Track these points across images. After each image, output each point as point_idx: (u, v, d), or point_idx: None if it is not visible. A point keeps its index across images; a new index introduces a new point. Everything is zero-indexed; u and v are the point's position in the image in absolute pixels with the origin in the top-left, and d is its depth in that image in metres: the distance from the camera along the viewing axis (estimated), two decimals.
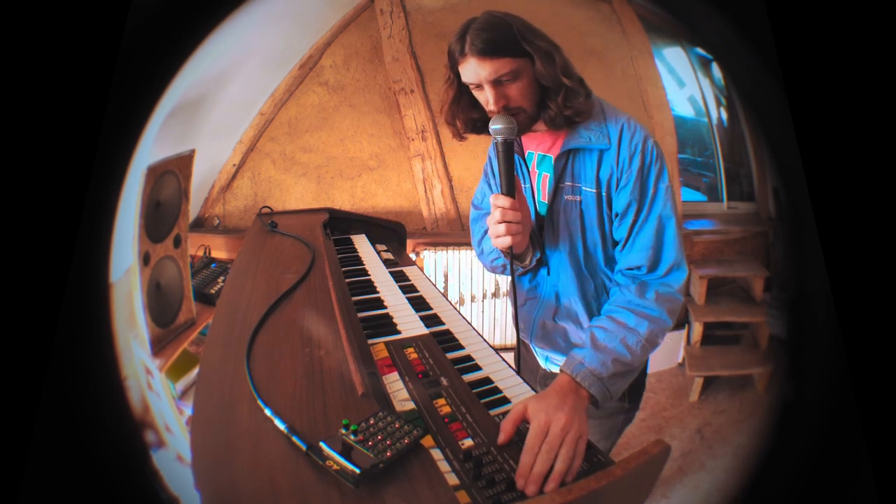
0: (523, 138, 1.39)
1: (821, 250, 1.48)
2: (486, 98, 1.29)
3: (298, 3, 2.22)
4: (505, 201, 1.25)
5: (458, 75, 1.31)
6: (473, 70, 1.27)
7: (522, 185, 1.36)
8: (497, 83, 1.26)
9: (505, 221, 1.25)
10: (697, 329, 1.99)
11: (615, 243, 1.33)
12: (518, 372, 1.41)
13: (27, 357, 1.37)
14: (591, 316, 1.36)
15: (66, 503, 1.29)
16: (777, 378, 1.68)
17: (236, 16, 1.69)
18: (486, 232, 1.38)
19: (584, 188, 1.32)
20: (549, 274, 1.41)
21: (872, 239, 1.47)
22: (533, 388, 1.33)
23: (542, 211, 1.37)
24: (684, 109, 2.21)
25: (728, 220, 2.15)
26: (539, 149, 1.38)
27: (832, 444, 1.37)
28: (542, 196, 1.38)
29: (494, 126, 1.25)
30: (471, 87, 1.31)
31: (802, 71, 1.56)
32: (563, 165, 1.33)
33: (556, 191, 1.34)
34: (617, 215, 1.30)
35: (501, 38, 1.26)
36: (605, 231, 1.34)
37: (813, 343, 1.49)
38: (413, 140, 2.21)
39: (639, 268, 1.32)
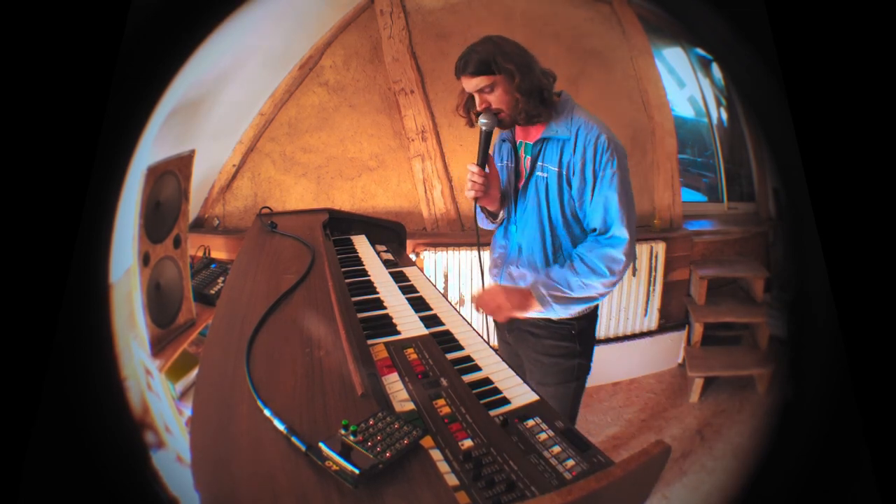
0: (517, 130, 1.84)
1: (821, 250, 1.48)
2: (477, 101, 1.75)
3: (298, 3, 2.22)
4: (473, 167, 1.77)
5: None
6: (465, 84, 1.74)
7: (510, 165, 1.86)
8: (480, 92, 1.72)
9: (471, 181, 1.77)
10: (698, 330, 1.99)
11: (573, 213, 1.78)
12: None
13: (27, 357, 1.37)
14: (546, 264, 1.81)
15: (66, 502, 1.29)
16: (777, 379, 1.69)
17: (236, 16, 1.69)
18: None
19: (549, 167, 1.77)
20: (515, 231, 1.86)
21: (873, 239, 1.47)
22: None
23: (524, 183, 1.83)
24: (684, 110, 2.22)
25: (728, 221, 2.16)
26: (525, 139, 1.83)
27: (833, 444, 1.37)
28: (527, 173, 1.82)
29: (480, 119, 1.75)
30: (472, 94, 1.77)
31: (802, 71, 1.55)
32: (538, 150, 1.79)
33: (532, 168, 1.80)
34: (577, 190, 1.76)
35: (480, 62, 1.70)
36: (563, 201, 1.77)
37: (813, 343, 1.48)
38: (413, 140, 2.22)
39: (594, 230, 1.75)
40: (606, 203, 1.72)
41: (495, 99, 1.72)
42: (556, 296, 1.74)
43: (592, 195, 1.73)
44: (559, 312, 1.77)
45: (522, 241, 1.84)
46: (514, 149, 1.85)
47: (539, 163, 1.78)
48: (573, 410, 1.87)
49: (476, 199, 1.81)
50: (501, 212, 1.87)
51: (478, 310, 1.86)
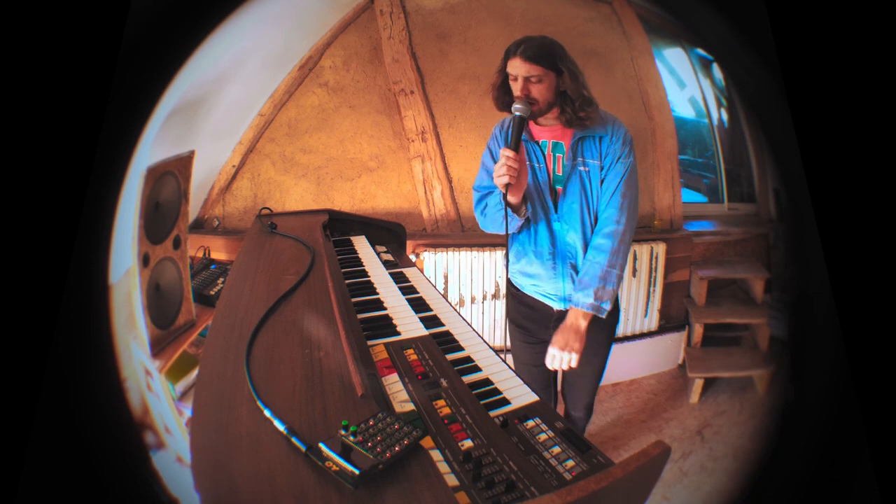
0: (535, 130, 1.87)
1: (821, 251, 1.47)
2: (517, 87, 1.77)
3: (298, 4, 2.22)
4: (509, 152, 1.73)
5: (504, 67, 1.81)
6: (514, 66, 1.76)
7: (536, 165, 1.87)
8: (527, 80, 1.76)
9: (507, 165, 1.73)
10: (698, 330, 1.99)
11: None
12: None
13: (27, 358, 1.37)
14: (584, 251, 1.88)
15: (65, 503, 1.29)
16: (777, 380, 1.68)
17: (235, 17, 1.69)
18: (485, 196, 1.90)
19: (590, 162, 1.84)
20: (561, 228, 1.88)
21: (873, 240, 1.47)
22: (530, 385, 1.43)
23: (557, 181, 1.88)
24: (685, 110, 2.22)
25: (729, 222, 2.15)
26: (551, 138, 1.86)
27: (833, 445, 1.37)
28: (558, 170, 1.88)
29: (516, 105, 1.75)
30: (510, 77, 1.79)
31: (803, 72, 1.55)
32: (578, 148, 1.84)
33: (573, 165, 1.85)
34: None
35: (544, 52, 1.75)
36: (600, 192, 1.84)
37: (814, 344, 1.48)
38: (413, 141, 2.22)
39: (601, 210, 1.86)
40: (620, 187, 1.82)
41: (539, 91, 1.77)
42: (599, 295, 1.81)
43: (616, 183, 1.83)
44: (608, 303, 1.82)
45: (568, 234, 1.89)
46: (540, 147, 1.88)
47: (579, 158, 1.84)
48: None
49: (507, 187, 1.78)
50: (523, 207, 1.86)
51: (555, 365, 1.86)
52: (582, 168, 1.85)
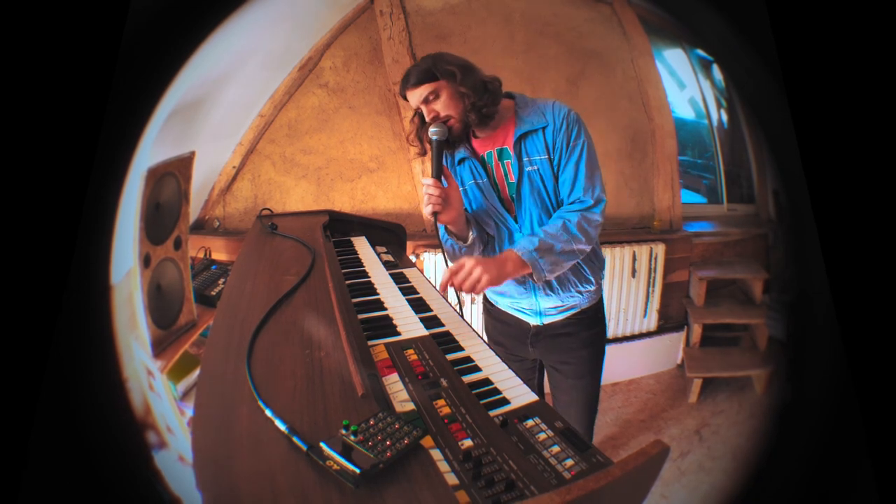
0: (476, 144, 1.80)
1: (820, 252, 1.48)
2: (425, 114, 1.73)
3: (298, 4, 2.22)
4: (429, 180, 1.70)
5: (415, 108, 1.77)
6: (411, 98, 1.73)
7: (479, 181, 1.80)
8: (426, 102, 1.71)
9: (427, 194, 1.69)
10: (697, 331, 2.00)
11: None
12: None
13: (28, 359, 1.37)
14: None
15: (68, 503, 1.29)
16: (776, 380, 1.69)
17: (235, 18, 1.69)
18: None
19: (537, 158, 1.74)
20: (521, 231, 1.79)
21: (873, 241, 1.47)
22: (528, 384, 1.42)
23: (512, 192, 1.79)
24: (685, 111, 2.22)
25: (728, 222, 2.16)
26: (495, 146, 1.78)
27: (832, 445, 1.38)
28: (511, 178, 1.79)
29: (430, 129, 1.71)
30: (419, 111, 1.75)
31: (803, 73, 1.56)
32: (521, 148, 1.75)
33: (521, 167, 1.75)
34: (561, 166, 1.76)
35: (421, 71, 1.70)
36: (558, 183, 1.75)
37: (813, 345, 1.49)
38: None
39: (575, 200, 1.74)
40: (577, 175, 1.72)
41: (442, 105, 1.71)
42: (543, 250, 1.68)
43: (565, 169, 1.73)
44: (543, 271, 1.69)
45: None
46: (481, 163, 1.80)
47: (525, 158, 1.75)
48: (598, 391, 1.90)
49: (435, 215, 1.72)
50: (470, 234, 1.79)
51: (450, 286, 1.66)
52: (529, 168, 1.76)
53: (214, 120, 2.09)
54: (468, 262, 1.63)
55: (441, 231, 1.81)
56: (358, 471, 0.97)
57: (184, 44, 1.60)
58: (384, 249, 2.13)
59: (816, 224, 1.48)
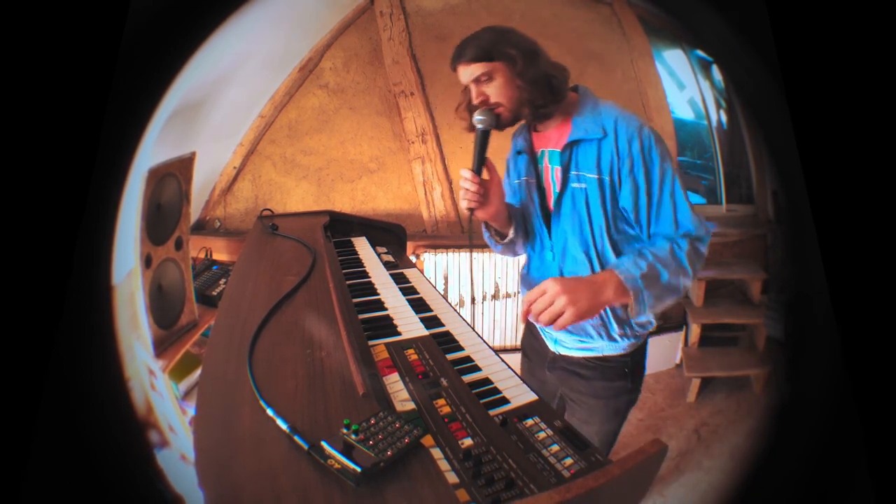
0: (535, 138, 1.60)
1: (819, 253, 1.48)
2: (473, 95, 1.55)
3: (298, 5, 2.22)
4: (467, 173, 1.52)
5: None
6: (460, 74, 1.55)
7: (530, 181, 1.58)
8: (477, 83, 1.52)
9: (463, 188, 1.52)
10: (695, 331, 2.00)
11: (625, 225, 1.51)
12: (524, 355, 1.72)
13: (30, 359, 1.38)
14: None
15: (70, 502, 1.29)
16: (774, 379, 1.69)
17: (236, 18, 1.70)
18: None
19: (586, 175, 1.50)
20: (553, 259, 1.58)
21: (872, 242, 1.48)
22: (534, 390, 1.40)
23: (554, 203, 1.57)
24: (684, 112, 2.22)
25: (727, 223, 2.16)
26: (549, 146, 1.56)
27: (830, 444, 1.38)
28: (557, 187, 1.55)
29: (475, 117, 1.52)
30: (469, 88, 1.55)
31: (803, 74, 1.56)
32: (568, 157, 1.51)
33: (565, 180, 1.52)
34: (629, 197, 1.48)
35: (478, 47, 1.51)
36: (608, 213, 1.49)
37: (811, 345, 1.49)
38: (413, 143, 2.22)
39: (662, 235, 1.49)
40: (676, 205, 1.50)
41: (494, 91, 1.51)
42: (651, 278, 1.41)
43: (660, 201, 1.48)
44: (645, 306, 1.43)
45: (564, 266, 1.57)
46: (535, 160, 1.58)
47: (572, 172, 1.51)
48: (615, 438, 1.65)
49: (471, 211, 1.55)
50: (510, 231, 1.59)
51: (529, 318, 1.42)
52: (576, 184, 1.50)
53: (215, 120, 2.09)
54: (551, 288, 1.38)
55: (480, 223, 1.62)
56: (359, 469, 0.98)
57: (184, 44, 1.60)
58: (384, 250, 2.13)
59: (815, 225, 1.48)
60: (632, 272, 1.39)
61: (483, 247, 1.94)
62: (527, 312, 1.39)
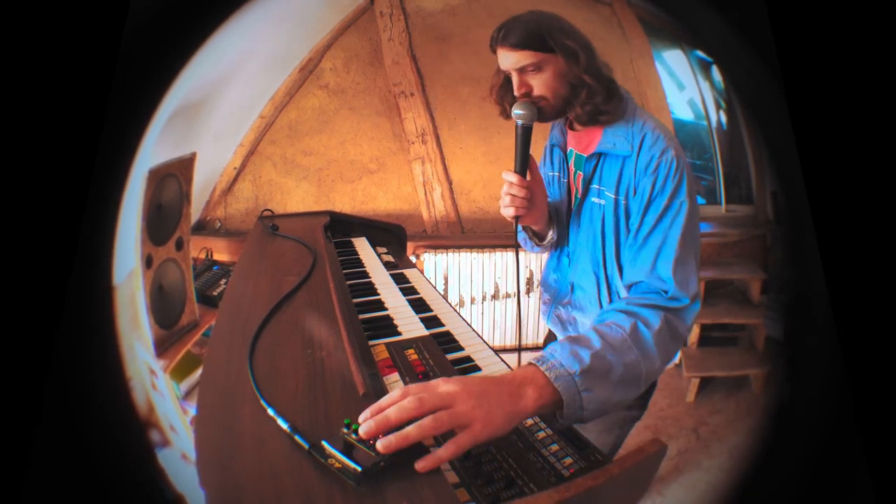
0: (571, 137, 1.47)
1: (819, 253, 1.48)
2: (514, 84, 1.37)
3: (298, 5, 2.22)
4: (512, 177, 1.36)
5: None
6: (502, 59, 1.37)
7: (561, 179, 1.45)
8: (521, 72, 1.35)
9: (509, 194, 1.36)
10: (694, 330, 2.00)
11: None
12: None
13: (31, 359, 1.38)
14: (600, 307, 1.40)
15: (71, 502, 1.30)
16: (773, 379, 1.69)
17: (236, 18, 1.70)
18: None
19: (607, 193, 1.37)
20: (569, 265, 1.47)
21: (871, 242, 1.48)
22: None
23: (575, 208, 1.46)
24: (684, 112, 2.22)
25: (726, 223, 2.16)
26: (577, 148, 1.44)
27: (829, 445, 1.38)
28: (579, 193, 1.44)
29: (515, 111, 1.35)
30: (508, 74, 1.39)
31: (803, 74, 1.56)
32: (594, 167, 1.39)
33: (587, 191, 1.40)
34: (634, 223, 1.33)
35: (528, 33, 1.32)
36: (619, 237, 1.37)
37: (810, 345, 1.49)
38: (413, 143, 2.22)
39: (635, 284, 1.30)
40: (662, 249, 1.27)
41: (541, 84, 1.34)
42: (593, 374, 1.09)
43: (646, 238, 1.28)
44: (582, 412, 1.10)
45: (575, 278, 1.47)
46: (566, 158, 1.46)
47: (594, 185, 1.38)
48: (614, 452, 1.42)
49: (517, 219, 1.38)
50: (550, 232, 1.47)
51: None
52: (596, 198, 1.37)
53: (215, 121, 2.09)
54: (420, 392, 1.00)
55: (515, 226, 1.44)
56: (359, 468, 0.98)
57: (184, 44, 1.60)
58: (385, 250, 2.14)
59: (815, 225, 1.48)
60: (566, 366, 1.08)
61: (483, 247, 1.94)
62: (371, 425, 0.99)
